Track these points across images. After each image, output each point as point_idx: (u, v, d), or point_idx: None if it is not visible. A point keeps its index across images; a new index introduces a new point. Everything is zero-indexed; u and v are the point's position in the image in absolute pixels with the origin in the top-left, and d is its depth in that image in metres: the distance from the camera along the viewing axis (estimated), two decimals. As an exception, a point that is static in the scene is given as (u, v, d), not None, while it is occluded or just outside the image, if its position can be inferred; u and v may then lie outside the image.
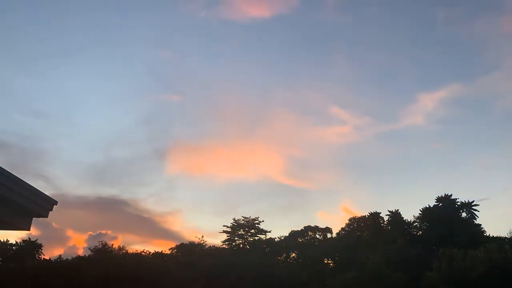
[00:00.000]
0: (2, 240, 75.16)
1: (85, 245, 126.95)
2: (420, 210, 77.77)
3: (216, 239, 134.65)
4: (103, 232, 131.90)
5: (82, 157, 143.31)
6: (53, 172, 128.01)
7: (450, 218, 72.55)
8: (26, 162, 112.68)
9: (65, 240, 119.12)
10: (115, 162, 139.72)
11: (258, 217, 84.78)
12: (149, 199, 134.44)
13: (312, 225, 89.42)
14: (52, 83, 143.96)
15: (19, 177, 7.18)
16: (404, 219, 79.64)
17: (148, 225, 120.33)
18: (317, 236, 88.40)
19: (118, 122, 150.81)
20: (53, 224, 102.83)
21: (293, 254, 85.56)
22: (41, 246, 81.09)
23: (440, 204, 76.53)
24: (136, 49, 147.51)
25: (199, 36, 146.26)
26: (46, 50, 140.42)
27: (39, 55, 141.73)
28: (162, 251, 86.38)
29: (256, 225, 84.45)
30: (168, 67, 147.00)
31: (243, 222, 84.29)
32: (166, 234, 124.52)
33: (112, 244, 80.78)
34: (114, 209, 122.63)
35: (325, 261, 79.56)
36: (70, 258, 76.67)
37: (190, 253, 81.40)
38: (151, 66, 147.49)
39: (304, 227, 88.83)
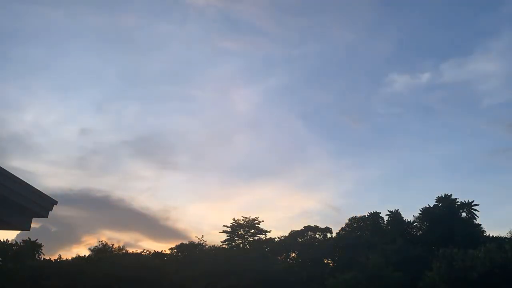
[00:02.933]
0: (2, 240, 75.13)
1: (78, 244, 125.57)
2: (420, 210, 77.85)
3: (216, 239, 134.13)
4: (102, 232, 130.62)
5: (61, 150, 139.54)
6: (32, 168, 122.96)
7: (450, 218, 72.47)
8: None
9: (58, 239, 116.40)
10: (99, 156, 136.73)
11: (258, 217, 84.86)
12: (142, 196, 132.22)
13: (312, 225, 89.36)
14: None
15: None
16: (404, 219, 79.67)
17: (143, 222, 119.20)
18: (317, 236, 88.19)
19: (91, 112, 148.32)
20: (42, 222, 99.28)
21: (293, 254, 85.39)
22: (41, 246, 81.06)
23: (440, 204, 76.46)
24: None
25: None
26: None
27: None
28: (162, 251, 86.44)
29: (256, 225, 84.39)
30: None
31: (243, 222, 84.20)
32: (164, 232, 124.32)
33: (112, 244, 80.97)
34: (105, 206, 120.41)
35: (325, 261, 79.40)
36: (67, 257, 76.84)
37: (190, 253, 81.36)
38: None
39: (304, 227, 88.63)
